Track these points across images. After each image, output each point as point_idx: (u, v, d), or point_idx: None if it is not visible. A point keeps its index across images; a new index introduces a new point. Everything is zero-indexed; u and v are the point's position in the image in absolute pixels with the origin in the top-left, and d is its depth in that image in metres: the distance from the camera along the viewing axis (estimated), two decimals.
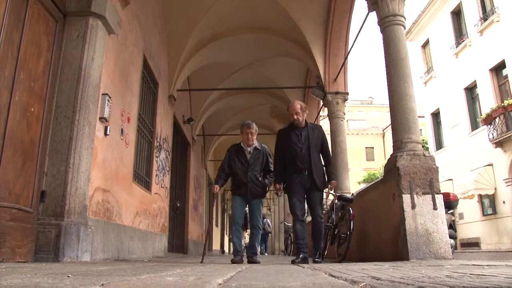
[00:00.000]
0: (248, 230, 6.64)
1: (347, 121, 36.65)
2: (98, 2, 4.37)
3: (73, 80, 4.12)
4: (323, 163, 4.95)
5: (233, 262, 4.79)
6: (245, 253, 5.67)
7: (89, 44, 4.27)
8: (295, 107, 4.96)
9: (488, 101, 16.08)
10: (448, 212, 5.51)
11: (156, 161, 7.69)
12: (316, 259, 4.75)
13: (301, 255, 4.66)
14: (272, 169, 5.27)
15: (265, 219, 19.97)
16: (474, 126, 17.30)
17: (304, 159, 4.79)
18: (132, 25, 6.01)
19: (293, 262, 4.49)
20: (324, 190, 5.03)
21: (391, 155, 4.38)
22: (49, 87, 3.94)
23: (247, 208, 5.43)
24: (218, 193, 4.98)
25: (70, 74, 4.14)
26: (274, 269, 2.99)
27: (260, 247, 19.69)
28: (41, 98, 3.82)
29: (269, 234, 20.61)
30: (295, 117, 4.92)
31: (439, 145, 20.45)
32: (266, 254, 18.91)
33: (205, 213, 15.36)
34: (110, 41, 4.95)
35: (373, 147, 40.62)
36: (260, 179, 5.13)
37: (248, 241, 5.65)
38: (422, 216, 3.86)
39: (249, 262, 4.85)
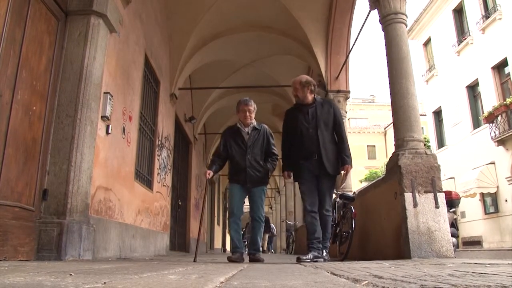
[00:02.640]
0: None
1: (348, 119, 36.72)
2: (100, 1, 4.37)
3: (74, 78, 4.13)
4: (336, 144, 4.32)
5: (230, 260, 4.30)
6: (245, 251, 5.20)
7: (91, 43, 4.28)
8: (293, 83, 4.41)
9: (490, 99, 16.05)
10: (450, 210, 5.51)
11: (158, 160, 7.70)
12: (324, 256, 4.15)
13: (309, 253, 4.04)
14: (274, 151, 4.73)
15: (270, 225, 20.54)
16: (476, 124, 17.27)
17: (311, 140, 4.19)
18: (133, 24, 6.01)
19: (298, 259, 4.01)
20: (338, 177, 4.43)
21: (393, 153, 4.37)
22: (51, 85, 3.95)
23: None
24: (211, 180, 4.64)
25: (72, 73, 4.14)
26: (276, 267, 3.00)
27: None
28: (43, 96, 3.83)
29: (275, 237, 21.40)
30: (294, 93, 4.41)
31: (441, 143, 20.42)
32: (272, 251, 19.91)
33: (206, 210, 15.39)
34: (112, 40, 4.96)
35: (374, 146, 40.58)
36: (261, 163, 4.58)
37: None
38: (424, 214, 3.86)
39: (251, 260, 4.39)
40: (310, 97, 4.34)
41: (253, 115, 4.68)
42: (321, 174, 4.21)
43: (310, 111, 4.29)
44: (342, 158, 4.24)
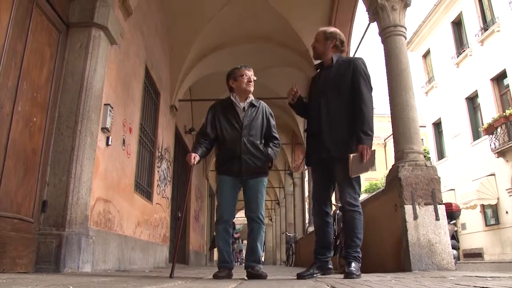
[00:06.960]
0: None
1: None
2: (101, 13, 4.41)
3: (75, 90, 4.15)
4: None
5: (215, 278, 3.22)
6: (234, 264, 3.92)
7: (92, 55, 4.30)
8: (317, 34, 3.50)
9: (489, 111, 16.08)
10: (451, 222, 5.47)
11: (158, 172, 7.69)
12: (351, 269, 2.95)
13: (315, 265, 3.15)
14: (276, 134, 3.67)
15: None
16: (476, 136, 17.27)
17: (317, 112, 3.28)
18: (134, 36, 6.05)
19: (299, 275, 3.07)
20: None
21: (392, 165, 4.37)
22: (51, 97, 3.96)
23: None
24: (195, 166, 3.71)
25: (72, 85, 4.16)
26: (276, 280, 2.97)
27: None
28: (44, 108, 3.84)
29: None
30: (312, 45, 3.49)
31: (440, 155, 20.41)
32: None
33: (206, 222, 15.32)
34: (113, 52, 4.98)
35: (374, 157, 40.51)
36: (260, 147, 3.49)
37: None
38: (424, 227, 3.84)
39: (250, 276, 3.28)
40: (329, 56, 3.40)
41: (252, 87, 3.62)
42: (328, 158, 3.21)
43: (323, 73, 3.40)
44: (357, 133, 3.12)
